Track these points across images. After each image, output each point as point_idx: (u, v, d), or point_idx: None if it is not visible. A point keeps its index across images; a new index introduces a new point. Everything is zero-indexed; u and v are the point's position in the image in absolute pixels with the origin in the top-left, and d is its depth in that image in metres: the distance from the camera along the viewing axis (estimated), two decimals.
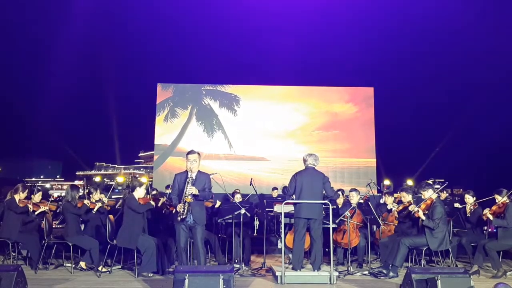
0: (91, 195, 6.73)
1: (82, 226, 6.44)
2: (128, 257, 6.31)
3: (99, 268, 5.76)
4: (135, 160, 78.35)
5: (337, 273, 5.53)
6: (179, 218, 5.16)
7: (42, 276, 5.66)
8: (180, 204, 5.16)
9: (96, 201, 6.44)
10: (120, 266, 6.22)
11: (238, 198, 7.48)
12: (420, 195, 6.29)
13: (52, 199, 7.96)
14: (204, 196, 5.33)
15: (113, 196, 8.13)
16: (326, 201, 5.72)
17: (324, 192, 5.79)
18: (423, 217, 5.76)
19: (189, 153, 5.39)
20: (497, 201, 6.30)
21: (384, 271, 5.75)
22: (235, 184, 11.66)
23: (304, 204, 5.61)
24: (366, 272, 6.05)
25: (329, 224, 5.59)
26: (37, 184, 8.13)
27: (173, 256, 6.13)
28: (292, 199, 5.73)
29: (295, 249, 5.65)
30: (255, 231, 7.68)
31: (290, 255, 5.88)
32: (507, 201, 6.20)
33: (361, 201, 7.64)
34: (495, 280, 5.57)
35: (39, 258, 6.03)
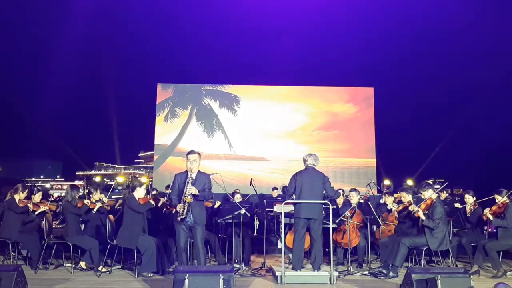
0: (91, 195, 6.73)
1: (82, 226, 6.44)
2: (128, 257, 6.31)
3: (99, 268, 5.76)
4: (135, 160, 78.48)
5: (337, 273, 5.53)
6: (179, 218, 5.16)
7: (42, 276, 5.66)
8: (180, 204, 5.16)
9: (96, 201, 6.44)
10: (120, 266, 6.22)
11: (238, 198, 7.47)
12: (420, 195, 6.29)
13: (52, 199, 7.97)
14: (204, 196, 5.33)
15: (113, 196, 8.13)
16: (326, 201, 5.72)
17: (324, 192, 5.79)
18: (423, 217, 5.76)
19: (189, 153, 5.39)
20: (497, 201, 6.30)
21: (384, 271, 5.75)
22: (235, 184, 11.64)
23: (304, 204, 5.61)
24: (366, 272, 6.05)
25: (329, 224, 5.58)
26: (37, 184, 8.13)
27: (173, 256, 6.13)
28: (292, 199, 5.74)
29: (295, 249, 5.65)
30: (255, 231, 7.69)
31: (290, 255, 5.88)
32: (507, 201, 6.20)
33: (361, 201, 7.64)
34: (495, 280, 5.57)
35: (39, 258, 6.02)
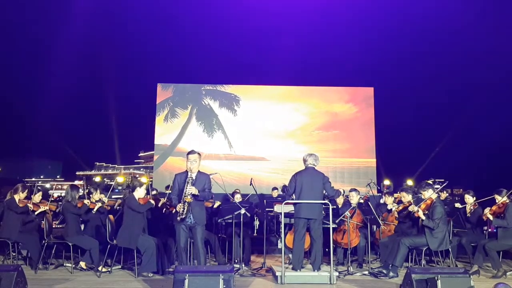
0: (91, 195, 6.73)
1: (82, 226, 6.44)
2: (128, 257, 6.31)
3: (99, 268, 5.76)
4: (135, 160, 78.44)
5: (337, 273, 5.54)
6: (179, 218, 5.16)
7: (42, 276, 5.66)
8: (180, 204, 5.16)
9: (96, 201, 6.44)
10: (120, 266, 6.22)
11: (238, 198, 7.47)
12: (420, 195, 6.29)
13: (52, 199, 7.96)
14: (204, 197, 5.33)
15: (113, 196, 8.12)
16: (326, 201, 5.72)
17: (324, 192, 5.79)
18: (423, 217, 5.76)
19: (189, 153, 5.39)
20: (497, 201, 6.30)
21: (384, 271, 5.76)
22: (235, 184, 11.64)
23: (304, 204, 5.61)
24: (366, 272, 6.05)
25: (329, 224, 5.59)
26: (37, 184, 8.12)
27: (173, 256, 6.13)
28: (292, 199, 5.74)
29: (295, 249, 5.65)
30: (255, 231, 7.69)
31: (290, 255, 5.88)
32: (507, 201, 6.20)
33: (361, 201, 7.64)
34: (495, 280, 5.57)
35: (39, 258, 6.03)
